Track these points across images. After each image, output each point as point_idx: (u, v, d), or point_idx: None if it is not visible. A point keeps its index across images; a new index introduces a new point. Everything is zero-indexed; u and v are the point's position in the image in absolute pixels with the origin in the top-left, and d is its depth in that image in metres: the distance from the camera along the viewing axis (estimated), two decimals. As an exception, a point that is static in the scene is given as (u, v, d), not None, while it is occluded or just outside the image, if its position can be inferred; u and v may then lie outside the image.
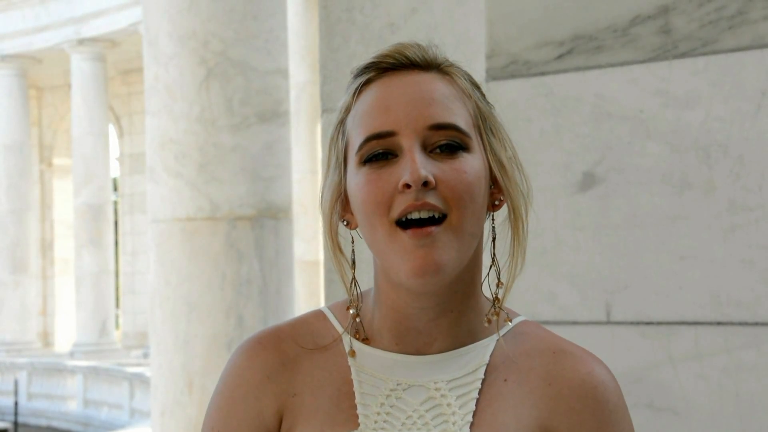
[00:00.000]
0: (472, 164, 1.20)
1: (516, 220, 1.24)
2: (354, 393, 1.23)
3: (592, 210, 2.28)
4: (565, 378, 1.24)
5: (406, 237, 1.16)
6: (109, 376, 18.67)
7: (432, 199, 1.16)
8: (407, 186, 1.16)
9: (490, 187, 1.24)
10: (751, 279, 2.14)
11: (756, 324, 2.13)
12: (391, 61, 1.23)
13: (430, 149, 1.19)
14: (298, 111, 12.36)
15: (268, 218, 5.18)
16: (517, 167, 1.25)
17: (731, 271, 2.15)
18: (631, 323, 2.24)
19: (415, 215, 1.16)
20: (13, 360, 21.39)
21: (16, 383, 19.71)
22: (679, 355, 2.19)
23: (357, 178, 1.20)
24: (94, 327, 21.42)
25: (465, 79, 1.25)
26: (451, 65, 1.26)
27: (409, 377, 1.23)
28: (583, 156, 2.29)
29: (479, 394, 1.23)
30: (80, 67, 22.01)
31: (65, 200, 25.28)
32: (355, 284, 1.25)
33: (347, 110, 1.25)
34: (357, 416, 1.22)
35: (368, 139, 1.19)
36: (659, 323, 2.22)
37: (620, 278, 2.25)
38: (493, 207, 1.25)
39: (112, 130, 24.44)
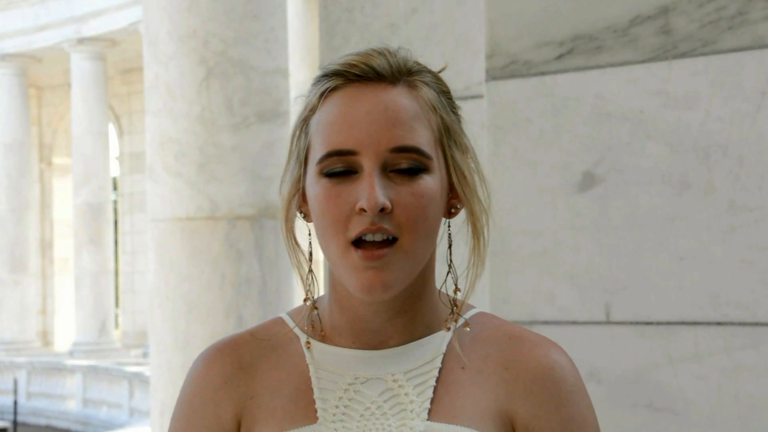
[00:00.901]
0: (429, 186, 1.21)
1: (476, 231, 1.26)
2: (312, 389, 1.25)
3: (591, 210, 2.28)
4: (521, 362, 1.26)
5: (356, 257, 1.19)
6: (109, 375, 18.67)
7: (386, 223, 1.19)
8: (364, 210, 1.18)
9: (448, 194, 1.26)
10: (750, 279, 2.14)
11: (755, 324, 2.13)
12: (358, 73, 1.23)
13: (390, 169, 1.20)
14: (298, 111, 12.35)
15: (268, 218, 5.18)
16: (479, 177, 1.26)
17: (731, 272, 2.15)
18: (631, 323, 2.24)
19: (369, 237, 1.19)
20: (13, 359, 21.39)
21: (15, 382, 19.72)
22: (679, 356, 2.19)
23: (316, 189, 1.22)
24: (93, 326, 21.42)
25: (433, 88, 1.25)
26: (420, 72, 1.25)
27: (367, 371, 1.26)
28: (583, 156, 2.29)
29: (437, 382, 1.25)
30: (80, 66, 22.01)
31: (65, 199, 25.27)
32: (311, 276, 1.27)
33: (312, 110, 1.25)
34: (316, 411, 1.24)
35: (329, 155, 1.21)
36: (659, 323, 2.22)
37: (620, 278, 2.25)
38: (449, 214, 1.27)
39: (111, 129, 24.43)
